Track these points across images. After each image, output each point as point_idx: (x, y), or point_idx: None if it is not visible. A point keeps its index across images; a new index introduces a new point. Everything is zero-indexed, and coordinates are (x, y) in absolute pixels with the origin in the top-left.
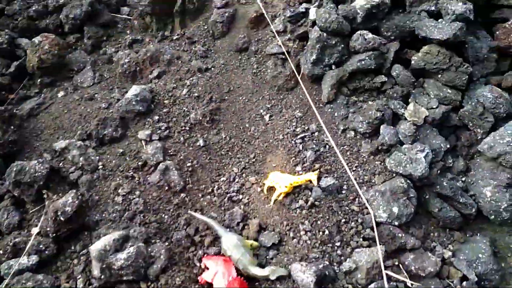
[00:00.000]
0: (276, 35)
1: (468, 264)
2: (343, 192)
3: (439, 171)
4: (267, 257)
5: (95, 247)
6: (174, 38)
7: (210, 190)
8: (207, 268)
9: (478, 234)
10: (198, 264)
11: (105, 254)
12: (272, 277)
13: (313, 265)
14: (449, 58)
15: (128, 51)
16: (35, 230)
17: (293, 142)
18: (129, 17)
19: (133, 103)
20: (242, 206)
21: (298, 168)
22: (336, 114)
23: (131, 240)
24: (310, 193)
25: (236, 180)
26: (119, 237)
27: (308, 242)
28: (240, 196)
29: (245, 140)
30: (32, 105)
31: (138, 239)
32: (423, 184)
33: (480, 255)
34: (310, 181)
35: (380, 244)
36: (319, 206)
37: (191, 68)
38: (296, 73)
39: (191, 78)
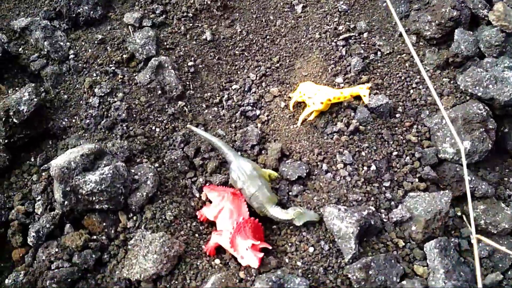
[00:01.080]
0: None
1: None
2: (397, 115)
3: None
4: (290, 193)
5: (57, 163)
6: None
7: (217, 100)
8: (210, 202)
9: None
10: (197, 195)
11: (69, 173)
12: (298, 223)
13: (355, 211)
14: None
15: None
16: None
17: (333, 44)
18: None
19: None
20: (259, 125)
21: (339, 79)
22: (393, 11)
23: (106, 156)
24: (353, 113)
25: (253, 89)
26: (89, 151)
27: (348, 178)
28: (257, 112)
29: (268, 37)
30: None
31: (116, 156)
32: (505, 114)
33: None
34: (357, 97)
35: (440, 188)
36: (365, 132)
37: None
38: None
39: None
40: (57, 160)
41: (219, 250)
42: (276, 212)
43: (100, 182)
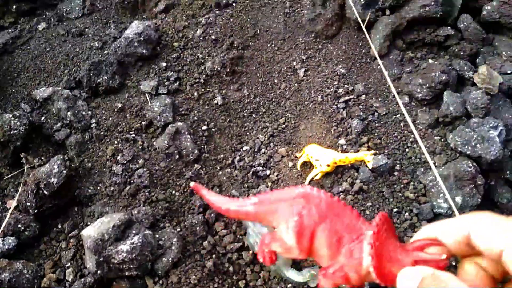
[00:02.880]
0: None
1: None
2: (395, 173)
3: (510, 153)
4: None
5: (89, 234)
6: None
7: (230, 161)
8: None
9: None
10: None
11: (103, 244)
12: (312, 284)
13: None
14: None
15: None
16: (12, 204)
17: (334, 106)
18: None
19: (135, 44)
20: (269, 184)
21: (341, 141)
22: (386, 74)
23: (135, 225)
24: (356, 174)
25: (262, 150)
26: (119, 222)
27: None
28: (268, 172)
29: (273, 99)
30: (5, 39)
31: (143, 223)
32: (491, 169)
33: None
34: (362, 162)
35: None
36: (368, 191)
37: (206, 2)
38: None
39: (207, 16)
40: (89, 231)
41: None
42: (292, 275)
43: (131, 251)
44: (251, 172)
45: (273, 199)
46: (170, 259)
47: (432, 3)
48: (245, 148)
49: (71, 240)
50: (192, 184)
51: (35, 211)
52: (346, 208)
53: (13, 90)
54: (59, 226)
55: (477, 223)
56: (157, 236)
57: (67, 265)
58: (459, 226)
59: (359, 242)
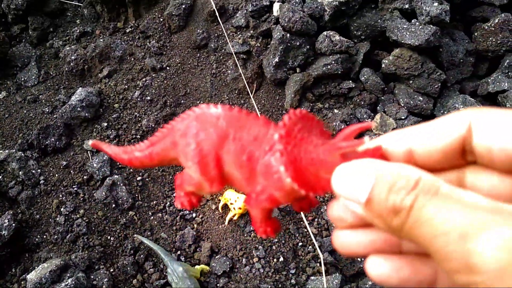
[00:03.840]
0: (225, 34)
1: None
2: (301, 212)
3: None
4: (218, 285)
5: (31, 278)
6: (127, 31)
7: (161, 206)
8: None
9: None
10: None
11: (41, 287)
12: None
13: None
14: (421, 64)
15: (75, 47)
16: None
17: None
18: (80, 4)
19: (78, 109)
20: (195, 225)
21: None
22: None
23: (70, 269)
24: None
25: None
26: (56, 267)
27: (261, 270)
28: (194, 214)
29: None
30: None
31: (78, 267)
32: None
33: None
34: None
35: (338, 269)
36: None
37: (144, 67)
38: (244, 80)
39: (144, 79)
40: (31, 275)
41: None
42: None
43: None
44: (179, 216)
45: (167, 132)
46: None
47: (333, 62)
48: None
49: (22, 282)
50: (90, 142)
51: None
52: (250, 117)
53: None
54: (13, 270)
55: (481, 118)
56: (92, 277)
57: None
58: (450, 124)
59: (273, 152)
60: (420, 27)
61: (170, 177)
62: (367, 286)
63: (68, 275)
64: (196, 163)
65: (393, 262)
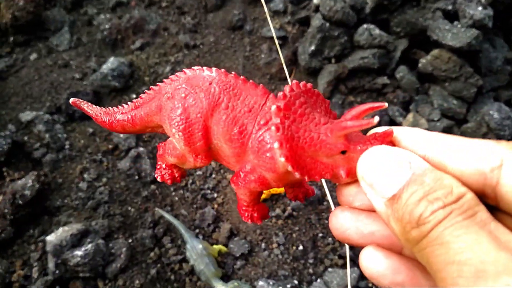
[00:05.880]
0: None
1: None
2: (325, 203)
3: None
4: (235, 266)
5: (51, 240)
6: (163, 5)
7: (183, 184)
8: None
9: None
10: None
11: (61, 249)
12: None
13: (281, 285)
14: (460, 67)
15: (110, 16)
16: None
17: None
18: None
19: (109, 78)
20: (215, 206)
21: None
22: None
23: (90, 235)
24: (289, 201)
25: (213, 175)
26: (77, 231)
27: (280, 256)
28: (215, 195)
29: None
30: (1, 66)
31: (98, 234)
32: None
33: None
34: None
35: (356, 264)
36: (297, 217)
37: (177, 43)
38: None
39: (176, 55)
40: (51, 237)
41: None
42: (218, 285)
43: (85, 256)
44: (200, 195)
45: (153, 95)
46: (119, 265)
47: (370, 55)
48: (198, 173)
49: (39, 244)
50: (71, 100)
51: (11, 217)
52: (248, 84)
53: (3, 112)
54: (31, 231)
55: None
56: (110, 245)
57: (34, 264)
58: (486, 149)
59: (269, 127)
60: (463, 29)
61: None
62: None
63: (88, 240)
64: (180, 130)
65: (392, 262)
